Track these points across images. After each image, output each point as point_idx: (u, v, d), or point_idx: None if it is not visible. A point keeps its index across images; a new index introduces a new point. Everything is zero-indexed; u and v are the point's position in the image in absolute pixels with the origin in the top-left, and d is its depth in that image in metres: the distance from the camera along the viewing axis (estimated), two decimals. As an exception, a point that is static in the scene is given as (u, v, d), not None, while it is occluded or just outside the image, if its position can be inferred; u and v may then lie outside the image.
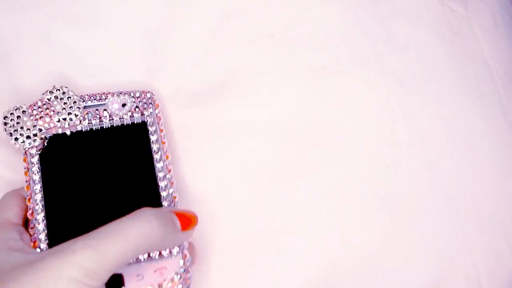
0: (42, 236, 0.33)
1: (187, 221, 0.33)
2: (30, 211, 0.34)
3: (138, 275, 0.32)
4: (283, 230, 0.40)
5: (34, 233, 0.33)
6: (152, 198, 0.35)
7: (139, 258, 0.33)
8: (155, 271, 0.33)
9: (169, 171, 0.36)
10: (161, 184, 0.36)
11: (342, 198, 0.41)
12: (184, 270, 0.33)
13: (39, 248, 0.33)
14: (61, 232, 0.33)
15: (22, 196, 0.35)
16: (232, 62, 0.42)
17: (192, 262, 0.35)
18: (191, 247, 0.35)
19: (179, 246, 0.33)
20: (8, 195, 0.35)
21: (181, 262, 0.33)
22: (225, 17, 0.43)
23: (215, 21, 0.43)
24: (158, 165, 0.36)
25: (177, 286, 0.33)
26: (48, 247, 0.33)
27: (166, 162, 0.36)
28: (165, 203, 0.35)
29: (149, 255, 0.33)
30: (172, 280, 0.33)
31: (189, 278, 0.34)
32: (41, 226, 0.33)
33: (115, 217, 0.32)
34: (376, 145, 0.42)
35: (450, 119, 0.43)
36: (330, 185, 0.41)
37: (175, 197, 0.35)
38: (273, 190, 0.41)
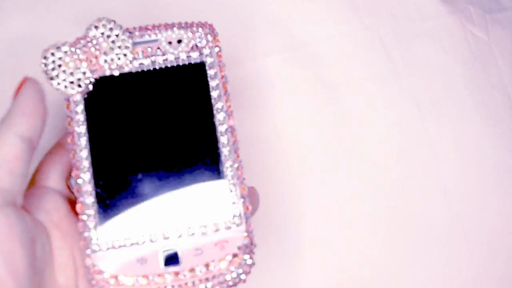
0: (90, 201, 0.30)
1: (18, 88, 0.29)
2: (75, 171, 0.30)
3: (196, 250, 0.29)
4: (301, 242, 0.40)
5: (79, 197, 0.30)
6: (211, 156, 0.31)
7: (196, 231, 0.29)
8: (215, 244, 0.29)
9: (232, 121, 0.31)
10: (222, 139, 0.31)
11: (351, 217, 0.41)
12: (248, 244, 0.30)
13: (86, 215, 0.29)
14: (110, 192, 0.30)
15: (62, 157, 0.32)
16: (249, 74, 0.42)
17: (254, 210, 0.32)
18: (252, 192, 0.32)
19: (241, 216, 0.30)
20: (46, 161, 0.31)
21: (245, 234, 0.30)
22: (244, 29, 0.43)
23: (234, 31, 0.43)
24: (219, 116, 0.31)
25: (240, 261, 0.29)
26: (98, 215, 0.29)
27: (228, 113, 0.31)
28: (227, 163, 0.31)
29: (208, 227, 0.29)
30: (236, 255, 0.29)
31: (254, 252, 0.30)
32: (87, 187, 0.30)
33: (168, 175, 0.30)
34: (390, 167, 0.42)
35: (465, 143, 0.43)
36: (339, 203, 0.41)
37: (238, 155, 0.31)
38: (285, 203, 0.40)
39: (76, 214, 0.31)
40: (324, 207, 0.41)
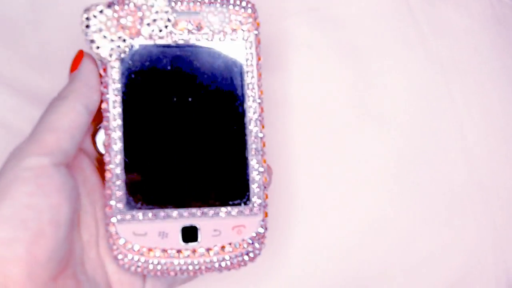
0: (118, 170, 0.30)
1: (74, 62, 0.31)
2: (107, 140, 0.31)
3: (215, 230, 0.31)
4: (320, 203, 0.40)
5: (108, 164, 0.31)
6: (238, 144, 0.32)
7: (217, 212, 0.31)
8: (233, 228, 0.31)
9: (262, 110, 0.32)
10: (250, 127, 0.32)
11: (377, 182, 0.41)
12: (263, 230, 0.32)
13: (113, 183, 0.30)
14: (138, 165, 0.31)
15: None
16: (276, 33, 0.42)
17: (268, 184, 0.33)
18: (269, 168, 0.34)
19: (261, 204, 0.31)
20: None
21: (262, 222, 0.32)
22: None
23: None
24: (250, 104, 0.32)
25: (255, 246, 0.31)
26: (125, 185, 0.30)
27: (259, 100, 0.32)
28: (253, 151, 0.32)
29: (228, 211, 0.31)
30: (252, 240, 0.31)
31: (264, 239, 0.32)
32: (117, 157, 0.30)
33: (197, 155, 0.31)
34: (414, 130, 0.42)
35: (490, 108, 0.43)
36: (367, 167, 0.41)
37: (264, 144, 0.32)
38: (309, 168, 0.41)
39: (100, 172, 0.32)
40: (349, 172, 0.41)
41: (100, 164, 0.32)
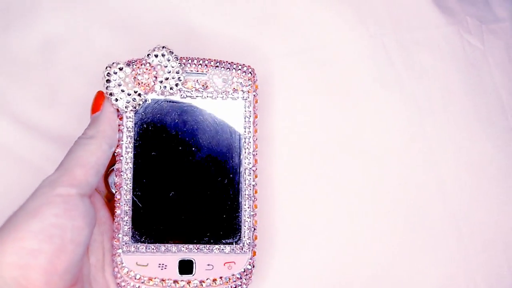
0: (127, 208, 0.34)
1: (96, 103, 0.35)
2: (118, 179, 0.35)
3: (208, 265, 0.35)
4: (303, 232, 0.43)
5: (118, 201, 0.34)
6: (233, 190, 0.36)
7: (212, 249, 0.35)
8: (224, 264, 0.35)
9: (256, 162, 0.36)
10: (245, 176, 0.36)
11: (355, 211, 0.44)
12: (251, 267, 0.35)
13: (122, 219, 0.34)
14: (145, 203, 0.35)
15: None
16: (265, 73, 0.45)
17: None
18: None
19: (250, 244, 0.35)
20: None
21: (250, 259, 0.35)
22: (264, 30, 0.46)
23: (252, 31, 0.46)
24: (246, 155, 0.36)
25: (242, 281, 0.35)
26: (132, 221, 0.34)
27: (254, 152, 0.36)
28: (245, 197, 0.36)
29: (221, 248, 0.35)
30: (241, 275, 0.35)
31: (252, 275, 0.35)
32: (127, 195, 0.35)
33: (195, 198, 0.35)
34: (390, 165, 0.45)
35: (461, 144, 0.46)
36: (343, 199, 0.44)
37: (256, 191, 0.36)
38: (290, 200, 0.43)
39: (109, 208, 0.36)
40: (324, 202, 0.44)
41: (109, 201, 0.36)
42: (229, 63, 0.37)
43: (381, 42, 0.46)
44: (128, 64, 0.35)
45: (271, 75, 0.45)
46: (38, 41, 0.44)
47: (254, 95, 0.37)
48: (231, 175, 0.36)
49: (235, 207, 0.36)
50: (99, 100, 0.35)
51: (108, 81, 0.34)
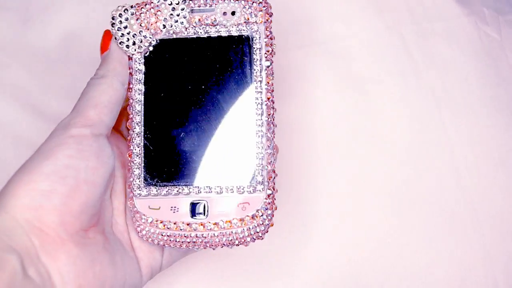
0: (137, 151, 0.34)
1: (104, 43, 0.34)
2: (129, 122, 0.34)
3: (221, 207, 0.33)
4: (315, 218, 0.43)
5: (130, 145, 0.34)
6: (246, 126, 0.34)
7: (224, 190, 0.33)
8: (238, 205, 0.33)
9: (269, 97, 0.34)
10: (258, 110, 0.34)
11: (372, 201, 0.44)
12: (267, 208, 0.33)
13: (133, 163, 0.33)
14: (155, 145, 0.34)
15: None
16: (284, 64, 0.45)
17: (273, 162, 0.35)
18: (275, 147, 0.35)
19: (263, 183, 0.33)
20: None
21: (265, 199, 0.33)
22: (281, 22, 0.46)
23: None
24: (259, 89, 0.34)
25: (258, 222, 0.33)
26: (142, 164, 0.34)
27: (266, 86, 0.34)
28: (259, 133, 0.33)
29: (234, 188, 0.33)
30: (255, 216, 0.33)
31: (272, 215, 0.33)
32: (137, 139, 0.34)
33: (206, 136, 0.33)
34: (407, 154, 0.45)
35: (479, 133, 0.46)
36: (360, 189, 0.44)
37: (272, 130, 0.34)
38: (306, 187, 0.44)
39: None
40: (344, 189, 0.44)
41: None
42: None
43: (398, 33, 0.47)
44: (132, 6, 0.34)
45: (287, 67, 0.45)
46: (59, 35, 0.44)
47: (266, 26, 0.34)
48: (243, 112, 0.34)
49: (248, 146, 0.33)
50: (107, 39, 0.34)
51: (113, 24, 0.34)
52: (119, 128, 0.36)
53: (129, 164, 0.34)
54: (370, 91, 0.46)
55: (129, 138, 0.34)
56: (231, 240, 0.33)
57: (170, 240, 0.33)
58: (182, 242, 0.33)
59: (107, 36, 0.34)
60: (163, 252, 0.35)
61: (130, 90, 0.34)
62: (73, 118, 0.31)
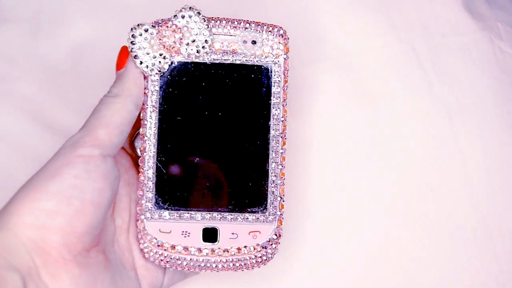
0: (150, 173, 0.34)
1: (120, 60, 0.34)
2: (142, 144, 0.34)
3: (233, 234, 0.34)
4: (326, 235, 0.43)
5: (142, 167, 0.34)
6: (259, 157, 0.34)
7: (237, 218, 0.34)
8: (249, 233, 0.34)
9: (284, 128, 0.35)
10: (273, 143, 0.35)
11: (385, 217, 0.44)
12: (276, 237, 0.34)
13: (145, 185, 0.33)
14: (168, 168, 0.34)
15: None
16: (295, 80, 0.45)
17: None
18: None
19: (275, 214, 0.34)
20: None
21: (276, 229, 0.34)
22: (292, 37, 0.46)
23: None
24: (274, 122, 0.34)
25: (268, 251, 0.34)
26: (155, 187, 0.34)
27: (283, 119, 0.35)
28: (273, 165, 0.34)
29: (246, 217, 0.34)
30: (266, 245, 0.34)
31: (278, 245, 0.34)
32: (150, 161, 0.34)
33: (221, 164, 0.34)
34: (420, 170, 0.45)
35: (492, 149, 0.46)
36: (372, 204, 0.44)
37: (283, 159, 0.35)
38: (314, 206, 0.43)
39: (137, 169, 0.35)
40: (353, 207, 0.44)
41: (136, 164, 0.35)
42: (259, 24, 0.35)
43: (411, 48, 0.46)
44: (153, 26, 0.33)
45: (301, 82, 0.45)
46: (68, 47, 0.44)
47: (285, 58, 0.35)
48: (258, 142, 0.34)
49: (262, 175, 0.34)
50: (124, 56, 0.33)
51: (132, 43, 0.33)
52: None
53: (141, 186, 0.34)
54: (382, 107, 0.45)
55: (141, 159, 0.34)
56: (238, 266, 0.34)
57: (178, 264, 0.33)
58: (191, 266, 0.33)
59: (124, 53, 0.33)
60: (165, 271, 0.35)
61: (145, 111, 0.34)
62: (83, 137, 0.31)
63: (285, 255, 0.42)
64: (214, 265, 0.34)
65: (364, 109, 0.45)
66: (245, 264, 0.34)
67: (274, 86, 0.35)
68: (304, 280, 0.42)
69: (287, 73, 0.35)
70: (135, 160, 0.36)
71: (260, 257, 0.34)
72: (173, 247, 0.33)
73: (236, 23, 0.34)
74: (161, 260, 0.33)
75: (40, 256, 0.28)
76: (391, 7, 0.47)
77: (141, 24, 0.33)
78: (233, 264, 0.34)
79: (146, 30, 0.33)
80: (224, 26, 0.34)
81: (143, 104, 0.34)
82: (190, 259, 0.33)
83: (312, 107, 0.45)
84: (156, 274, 0.34)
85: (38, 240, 0.28)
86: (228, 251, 0.33)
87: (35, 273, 0.27)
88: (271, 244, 0.34)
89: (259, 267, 0.34)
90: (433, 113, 0.46)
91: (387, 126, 0.45)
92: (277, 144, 0.34)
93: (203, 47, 0.34)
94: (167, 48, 0.33)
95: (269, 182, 0.34)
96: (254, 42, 0.34)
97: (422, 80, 0.46)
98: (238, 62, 0.34)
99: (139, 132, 0.35)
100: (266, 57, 0.34)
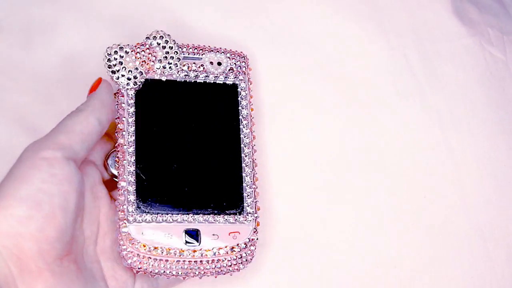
0: (131, 179, 0.35)
1: (93, 86, 0.36)
2: (121, 153, 0.35)
3: (213, 235, 0.35)
4: (319, 244, 0.42)
5: (122, 174, 0.35)
6: (234, 162, 0.37)
7: (217, 219, 0.36)
8: (229, 233, 0.35)
9: (254, 138, 0.38)
10: (245, 149, 0.38)
11: (377, 224, 0.43)
12: (253, 237, 0.36)
13: (126, 191, 0.35)
14: (148, 174, 0.35)
15: (105, 143, 0.37)
16: (282, 89, 0.45)
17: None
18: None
19: (253, 215, 0.36)
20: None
21: (254, 229, 0.36)
22: (279, 47, 0.46)
23: (270, 46, 0.46)
24: (245, 130, 0.38)
25: (247, 251, 0.36)
26: (136, 192, 0.35)
27: (252, 129, 0.38)
28: (247, 170, 0.37)
29: (226, 218, 0.36)
30: (245, 244, 0.36)
31: (256, 246, 0.36)
32: (130, 167, 0.35)
33: (199, 170, 0.36)
34: (413, 177, 0.45)
35: (484, 154, 0.46)
36: (366, 212, 0.44)
37: (256, 165, 0.38)
38: (308, 214, 0.43)
39: (106, 185, 0.36)
40: (348, 215, 0.43)
41: (109, 182, 0.37)
42: (223, 49, 0.39)
43: (402, 54, 0.47)
44: (128, 44, 0.37)
45: (288, 91, 0.45)
46: (59, 58, 0.44)
47: (249, 77, 0.39)
48: (231, 150, 0.37)
49: (237, 180, 0.37)
50: (97, 83, 0.36)
51: (109, 60, 0.36)
52: (93, 160, 0.37)
53: (121, 192, 0.35)
54: (373, 114, 0.45)
55: (120, 167, 0.35)
56: (220, 267, 0.35)
57: (161, 267, 0.34)
58: (173, 268, 0.34)
59: (98, 82, 0.36)
60: (135, 281, 0.35)
61: (122, 122, 0.36)
62: (44, 141, 0.31)
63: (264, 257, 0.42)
64: (196, 266, 0.35)
65: (354, 117, 0.45)
66: (226, 266, 0.35)
67: (241, 101, 0.38)
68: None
69: (251, 90, 0.39)
70: (108, 178, 0.37)
71: (241, 257, 0.35)
72: (155, 248, 0.34)
73: (202, 46, 0.39)
74: (140, 268, 0.34)
75: (16, 265, 0.28)
76: (381, 13, 0.47)
77: (115, 44, 0.36)
78: (215, 265, 0.35)
79: (121, 48, 0.36)
80: (192, 48, 0.38)
81: (119, 116, 0.36)
82: (173, 261, 0.34)
83: (300, 116, 0.45)
84: (126, 284, 0.34)
85: (14, 248, 0.28)
86: (209, 251, 0.35)
87: (11, 281, 0.28)
88: (251, 245, 0.36)
89: (238, 270, 0.36)
90: (424, 118, 0.46)
91: (378, 134, 0.45)
92: (249, 152, 0.37)
93: (175, 64, 0.37)
94: (141, 64, 0.36)
95: (244, 186, 0.37)
96: (219, 63, 0.39)
97: (413, 86, 0.46)
98: (206, 80, 0.38)
99: (113, 151, 0.37)
100: (231, 75, 0.39)
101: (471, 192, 0.45)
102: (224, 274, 0.35)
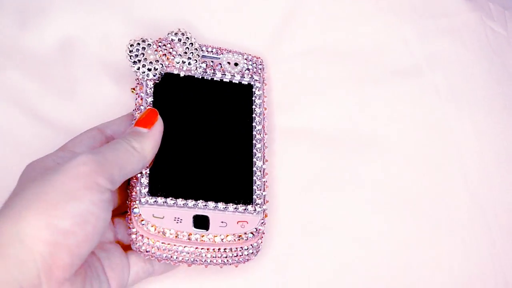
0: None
1: (149, 120, 0.36)
2: None
3: (222, 222, 0.36)
4: (319, 231, 0.42)
5: None
6: (245, 156, 0.39)
7: (227, 207, 0.36)
8: (237, 222, 0.36)
9: (265, 134, 0.40)
10: (257, 145, 0.39)
11: (377, 203, 0.43)
12: (261, 227, 0.37)
13: (140, 173, 0.36)
14: (162, 159, 0.37)
15: (95, 135, 0.37)
16: (284, 72, 0.45)
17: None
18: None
19: (261, 206, 0.37)
20: (81, 135, 0.37)
21: (261, 220, 0.37)
22: (279, 30, 0.46)
23: (269, 33, 0.46)
24: (258, 127, 0.39)
25: (254, 240, 0.36)
26: (150, 174, 0.36)
27: (264, 127, 0.40)
28: (258, 164, 0.38)
29: (235, 207, 0.37)
30: (252, 233, 0.36)
31: (262, 240, 0.37)
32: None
33: (211, 162, 0.38)
34: (413, 154, 0.44)
35: (485, 132, 0.45)
36: (367, 190, 0.43)
37: (266, 160, 0.39)
38: (313, 194, 0.43)
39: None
40: (349, 193, 0.43)
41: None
42: (240, 51, 0.42)
43: (400, 31, 0.46)
44: (150, 38, 0.39)
45: (290, 71, 0.45)
46: (56, 39, 0.44)
47: (264, 79, 0.41)
48: (243, 145, 0.39)
49: (248, 172, 0.38)
50: (152, 117, 0.36)
51: (131, 51, 0.38)
52: (73, 149, 0.37)
53: (136, 174, 0.36)
54: (372, 93, 0.45)
55: None
56: (226, 257, 0.36)
57: (168, 252, 0.35)
58: (180, 254, 0.35)
59: (153, 114, 0.36)
60: (130, 269, 0.36)
61: (140, 111, 0.37)
62: (101, 166, 0.32)
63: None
64: (202, 253, 0.35)
65: (353, 97, 0.45)
66: (232, 256, 0.36)
67: (255, 99, 0.40)
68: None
69: (265, 90, 0.41)
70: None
71: (247, 249, 0.36)
72: (164, 232, 0.34)
73: (220, 50, 0.41)
74: (147, 251, 0.35)
75: (47, 275, 0.29)
76: None
77: (137, 37, 0.38)
78: (221, 255, 0.35)
79: (144, 41, 0.39)
80: (210, 48, 0.41)
81: (139, 105, 0.37)
82: (180, 245, 0.35)
83: (304, 97, 0.45)
84: (122, 273, 0.35)
85: (48, 256, 0.29)
86: (217, 236, 0.35)
87: None
88: (258, 234, 0.36)
89: (246, 261, 0.36)
90: (424, 96, 0.45)
91: (377, 113, 0.45)
92: (260, 148, 0.39)
93: (195, 60, 0.39)
94: (161, 57, 0.38)
95: (254, 178, 0.38)
96: (236, 64, 0.41)
97: (411, 63, 0.46)
98: (223, 78, 0.40)
99: None
100: (247, 76, 0.41)
101: (472, 168, 0.44)
102: (230, 264, 0.36)
